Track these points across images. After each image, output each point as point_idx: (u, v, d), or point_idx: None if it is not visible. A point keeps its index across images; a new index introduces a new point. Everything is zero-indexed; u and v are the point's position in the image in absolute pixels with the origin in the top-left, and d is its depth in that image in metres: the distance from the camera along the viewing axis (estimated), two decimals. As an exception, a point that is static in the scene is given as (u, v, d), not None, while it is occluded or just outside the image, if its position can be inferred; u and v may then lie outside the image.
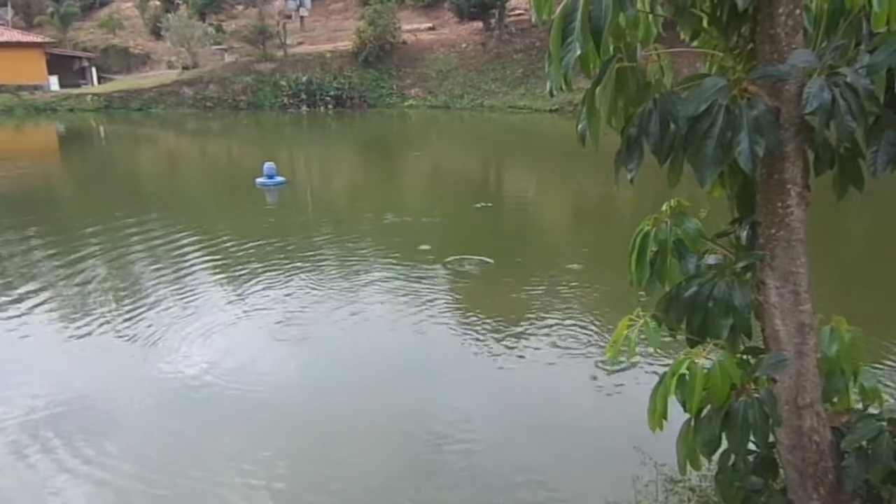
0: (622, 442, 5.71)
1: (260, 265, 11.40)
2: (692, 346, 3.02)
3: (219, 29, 48.18)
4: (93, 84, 46.82)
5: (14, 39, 44.43)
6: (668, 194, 3.22)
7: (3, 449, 6.09)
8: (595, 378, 7.31)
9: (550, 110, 38.27)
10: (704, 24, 3.01)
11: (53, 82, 44.28)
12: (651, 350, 7.27)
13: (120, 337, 8.52)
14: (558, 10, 2.67)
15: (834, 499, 3.13)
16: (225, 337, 8.45)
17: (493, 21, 45.28)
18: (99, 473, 5.74)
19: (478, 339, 8.34)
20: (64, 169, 26.01)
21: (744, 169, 2.61)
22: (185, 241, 12.99)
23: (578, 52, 2.58)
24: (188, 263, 11.66)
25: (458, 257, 11.42)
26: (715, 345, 2.94)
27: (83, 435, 6.29)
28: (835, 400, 3.30)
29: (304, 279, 10.69)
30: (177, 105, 42.98)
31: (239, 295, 9.94)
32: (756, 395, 2.89)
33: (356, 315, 9.20)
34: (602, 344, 7.99)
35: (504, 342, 8.25)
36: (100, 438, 6.24)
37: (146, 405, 6.88)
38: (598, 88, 2.80)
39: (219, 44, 47.54)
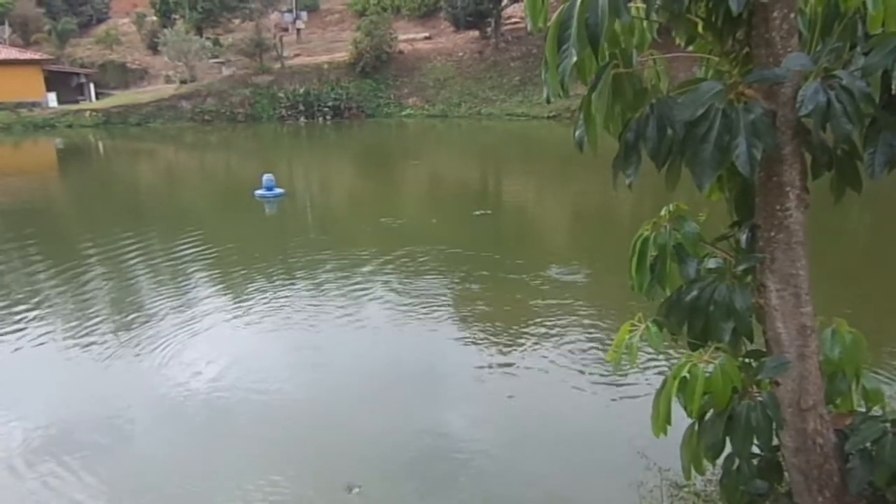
0: (626, 448, 5.70)
1: (260, 277, 11.41)
2: (694, 351, 3.02)
3: (216, 42, 48.34)
4: (91, 100, 46.89)
5: (12, 57, 44.56)
6: (667, 198, 3.22)
7: (4, 462, 6.08)
8: (597, 384, 7.29)
9: (548, 117, 38.35)
10: (700, 28, 3.02)
11: (52, 99, 44.37)
12: (654, 355, 7.28)
13: (120, 350, 8.49)
14: (553, 17, 2.69)
15: (839, 501, 3.12)
16: (225, 349, 8.42)
17: (489, 29, 45.47)
18: (98, 492, 5.72)
19: (479, 347, 8.32)
20: (63, 184, 26.03)
21: (742, 172, 2.62)
22: (185, 254, 12.99)
23: (574, 58, 2.59)
24: (188, 276, 11.66)
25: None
26: (717, 348, 2.94)
27: (86, 452, 6.27)
28: (837, 402, 3.30)
29: (304, 290, 10.69)
30: (175, 119, 43.07)
31: (240, 307, 9.94)
32: (759, 398, 2.89)
33: (357, 325, 9.20)
34: (604, 349, 7.98)
35: (505, 349, 8.23)
36: (101, 455, 6.22)
37: (148, 421, 6.86)
38: (594, 94, 2.81)
39: (216, 57, 47.69)
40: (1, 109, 41.41)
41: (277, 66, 46.00)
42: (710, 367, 2.84)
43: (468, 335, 8.72)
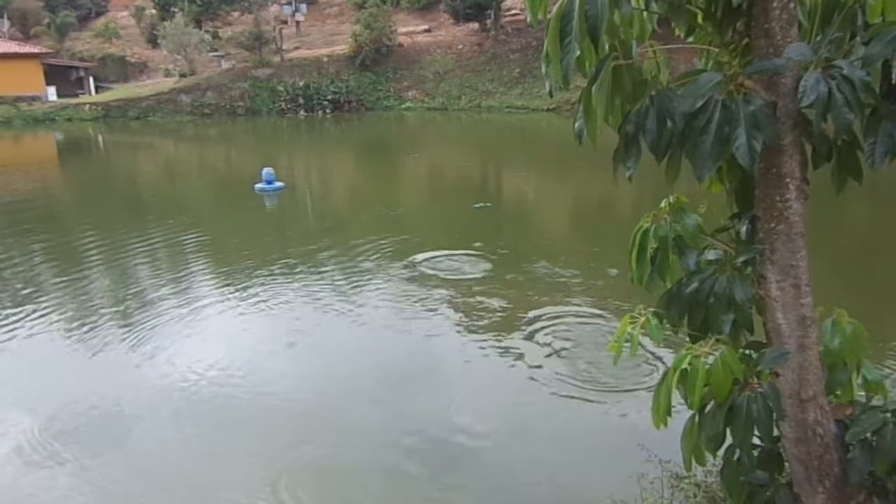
0: (627, 440, 5.71)
1: (260, 270, 11.40)
2: (694, 343, 3.03)
3: (215, 36, 48.19)
4: (90, 93, 46.79)
5: (11, 51, 44.44)
6: (667, 190, 3.22)
7: (2, 461, 6.09)
8: (598, 376, 7.30)
9: (547, 110, 38.28)
10: (699, 19, 3.01)
11: (51, 93, 44.27)
12: (655, 348, 7.29)
13: (120, 346, 8.50)
14: (554, 9, 2.68)
15: (839, 491, 3.13)
16: (226, 344, 8.43)
17: (488, 22, 45.32)
18: (99, 490, 5.74)
19: (480, 339, 8.33)
20: (63, 178, 25.99)
21: (742, 164, 2.62)
22: (185, 248, 13.00)
23: (578, 52, 2.58)
24: (189, 270, 11.66)
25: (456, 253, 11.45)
26: (717, 340, 2.94)
27: (88, 449, 6.29)
28: (838, 392, 3.30)
29: (304, 283, 10.69)
30: (174, 113, 42.97)
31: (241, 301, 9.94)
32: (759, 389, 2.89)
33: (358, 318, 9.20)
34: (604, 340, 7.99)
35: (506, 341, 8.24)
36: (104, 453, 6.24)
37: (147, 418, 6.87)
38: (594, 87, 2.80)
39: (215, 50, 47.55)
40: (0, 103, 41.33)
41: (277, 59, 45.86)
42: (711, 359, 2.84)
43: (468, 327, 8.72)
